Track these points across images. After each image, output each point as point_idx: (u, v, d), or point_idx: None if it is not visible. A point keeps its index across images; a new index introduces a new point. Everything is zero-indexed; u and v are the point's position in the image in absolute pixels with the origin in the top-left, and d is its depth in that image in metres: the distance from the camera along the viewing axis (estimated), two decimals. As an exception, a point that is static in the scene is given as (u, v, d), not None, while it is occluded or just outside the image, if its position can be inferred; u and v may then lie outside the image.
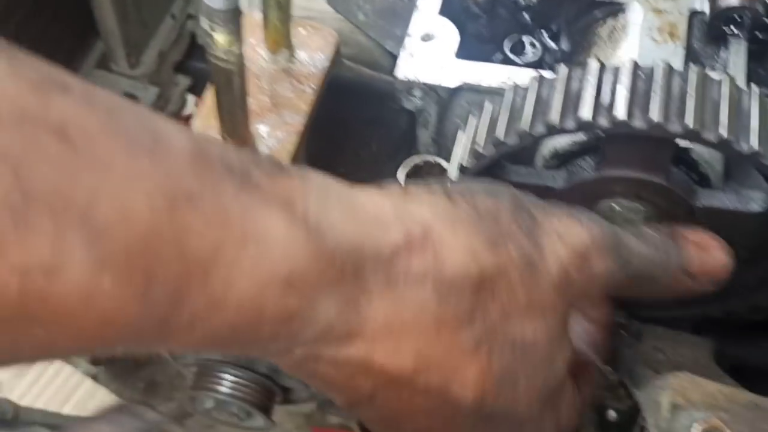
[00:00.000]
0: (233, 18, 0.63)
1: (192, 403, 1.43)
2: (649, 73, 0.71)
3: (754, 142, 0.67)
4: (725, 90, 0.70)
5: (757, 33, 0.94)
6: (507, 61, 0.94)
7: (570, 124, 0.70)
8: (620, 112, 0.69)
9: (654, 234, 0.74)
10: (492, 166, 0.81)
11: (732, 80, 0.70)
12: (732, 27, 0.84)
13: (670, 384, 0.79)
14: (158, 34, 1.50)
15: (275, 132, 0.80)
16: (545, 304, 0.63)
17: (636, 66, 0.71)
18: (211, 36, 0.65)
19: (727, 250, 0.75)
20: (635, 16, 0.88)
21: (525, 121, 0.73)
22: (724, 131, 0.67)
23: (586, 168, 0.80)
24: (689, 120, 0.67)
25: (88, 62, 2.10)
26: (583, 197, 0.81)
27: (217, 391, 1.38)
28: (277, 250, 0.52)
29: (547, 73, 0.76)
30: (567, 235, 0.65)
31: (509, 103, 0.76)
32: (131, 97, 1.45)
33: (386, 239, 0.58)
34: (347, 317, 0.57)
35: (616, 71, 0.71)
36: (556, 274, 0.63)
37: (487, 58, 0.98)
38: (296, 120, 0.81)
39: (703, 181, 0.80)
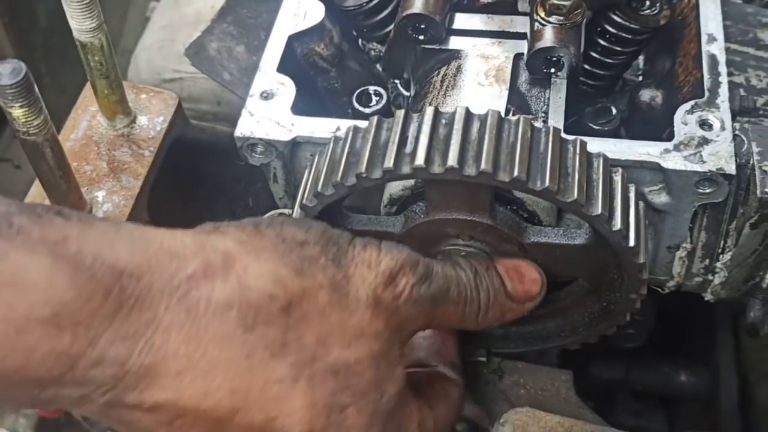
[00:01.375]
0: (24, 92, 0.65)
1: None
2: (450, 119, 0.73)
3: (545, 179, 0.69)
4: (521, 131, 0.72)
5: (590, 68, 0.98)
6: (356, 112, 0.97)
7: (377, 173, 0.73)
8: (420, 159, 0.71)
9: (465, 261, 0.76)
10: (333, 215, 0.83)
11: (528, 122, 0.73)
12: (552, 68, 0.87)
13: (509, 420, 0.80)
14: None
15: (111, 197, 0.81)
16: (362, 326, 0.64)
17: (437, 112, 0.74)
18: (9, 112, 0.67)
19: (536, 269, 0.79)
20: (464, 62, 0.91)
21: (338, 173, 0.75)
22: (516, 171, 0.69)
23: (420, 213, 0.82)
24: (484, 163, 0.70)
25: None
26: (420, 241, 0.83)
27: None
28: (36, 291, 0.54)
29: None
30: (374, 262, 0.67)
31: (329, 154, 0.78)
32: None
33: (181, 269, 0.58)
34: (141, 355, 0.57)
35: (420, 119, 0.74)
36: (365, 297, 0.65)
37: (344, 112, 1.01)
38: (133, 183, 0.83)
39: (532, 217, 0.83)
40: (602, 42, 0.97)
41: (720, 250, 0.87)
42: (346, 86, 1.02)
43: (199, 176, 1.00)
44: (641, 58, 1.05)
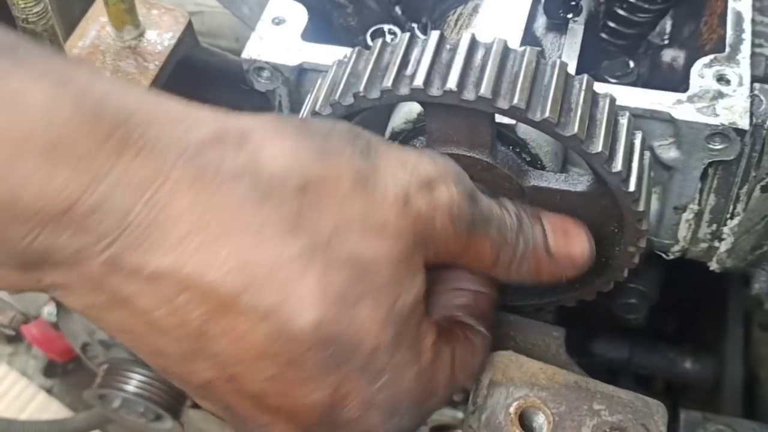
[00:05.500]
0: (25, -25, 0.65)
1: (101, 402, 1.43)
2: (455, 45, 0.71)
3: (545, 110, 0.67)
4: (526, 62, 0.70)
5: (615, 25, 0.95)
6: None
7: (374, 93, 0.71)
8: (419, 80, 0.69)
9: (512, 204, 0.71)
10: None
11: (535, 53, 0.71)
12: (570, 13, 0.84)
13: (491, 362, 0.78)
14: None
15: (111, 105, 0.81)
16: (385, 222, 0.59)
17: (441, 38, 0.72)
18: (9, -4, 0.67)
19: (589, 238, 0.73)
20: (481, 3, 0.89)
21: (337, 92, 0.73)
22: (516, 99, 0.67)
23: (420, 147, 0.80)
24: (484, 88, 0.68)
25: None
26: (418, 177, 0.81)
27: (124, 390, 1.39)
28: (36, 115, 0.49)
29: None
30: (410, 164, 0.62)
31: (331, 76, 0.77)
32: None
33: (194, 131, 0.54)
34: (145, 208, 0.51)
35: (424, 44, 0.72)
36: (394, 194, 0.59)
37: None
38: (134, 95, 0.82)
39: (535, 161, 0.80)
40: (628, -2, 0.94)
41: (728, 215, 0.84)
42: (363, 25, 1.00)
43: (204, 101, 0.99)
44: (668, 22, 1.02)
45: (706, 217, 0.85)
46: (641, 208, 0.73)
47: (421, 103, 0.76)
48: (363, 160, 0.59)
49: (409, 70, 0.71)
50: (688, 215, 0.85)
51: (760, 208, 0.81)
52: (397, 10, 1.02)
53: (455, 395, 0.91)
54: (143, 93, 0.55)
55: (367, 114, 0.86)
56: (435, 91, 0.69)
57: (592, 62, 0.92)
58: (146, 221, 0.52)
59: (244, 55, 0.87)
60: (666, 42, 1.02)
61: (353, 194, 0.57)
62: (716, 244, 0.87)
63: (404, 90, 0.70)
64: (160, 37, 0.87)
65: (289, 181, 0.55)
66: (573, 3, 0.84)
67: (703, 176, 0.82)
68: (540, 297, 0.91)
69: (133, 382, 1.37)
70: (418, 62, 0.71)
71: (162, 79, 0.86)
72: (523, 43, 0.85)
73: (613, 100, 0.72)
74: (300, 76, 0.87)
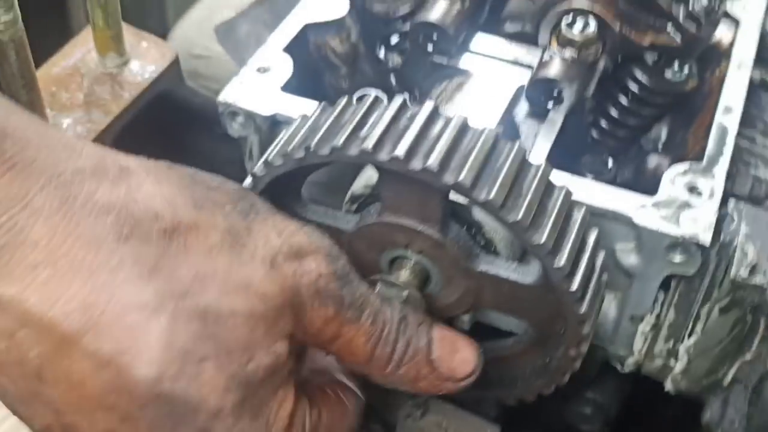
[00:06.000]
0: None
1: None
2: (414, 114, 0.70)
3: (491, 191, 0.65)
4: (483, 140, 0.68)
5: (604, 126, 0.93)
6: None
7: (325, 150, 0.69)
8: (369, 143, 0.67)
9: (398, 302, 0.70)
10: (289, 199, 0.79)
11: (493, 134, 0.69)
12: (552, 102, 0.83)
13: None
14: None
15: (76, 126, 0.81)
16: (251, 280, 0.58)
17: (403, 105, 0.71)
18: (-21, 3, 0.67)
19: (475, 351, 0.71)
20: (466, 82, 0.88)
21: (291, 145, 0.72)
22: (462, 176, 0.65)
23: (374, 213, 0.78)
24: (432, 159, 0.66)
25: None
26: (369, 243, 0.79)
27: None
28: None
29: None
30: (285, 232, 0.63)
31: (293, 129, 0.76)
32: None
33: (70, 161, 0.54)
34: (3, 234, 0.50)
35: (385, 108, 0.71)
36: (261, 256, 0.59)
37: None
38: (102, 120, 0.82)
39: (489, 246, 0.78)
40: (620, 99, 0.93)
41: (687, 333, 0.80)
42: (355, 89, 0.99)
43: (179, 139, 0.98)
44: (664, 130, 1.00)
45: (664, 331, 0.81)
46: (583, 310, 0.69)
47: (377, 170, 0.74)
48: (239, 219, 0.60)
49: (363, 132, 0.69)
50: (644, 327, 0.81)
51: (718, 330, 0.77)
52: (392, 78, 1.02)
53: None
54: (29, 118, 0.54)
55: (333, 171, 0.85)
56: (383, 156, 0.67)
57: (574, 155, 0.90)
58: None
59: (221, 98, 0.86)
60: (657, 149, 1.00)
61: (220, 248, 0.57)
62: (672, 362, 0.82)
63: (354, 151, 0.68)
64: (142, 69, 0.87)
65: (156, 223, 0.55)
66: (555, 92, 0.82)
67: (665, 287, 0.79)
68: (481, 388, 0.87)
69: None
70: (375, 125, 0.69)
71: (135, 110, 0.86)
72: (501, 125, 0.84)
73: (568, 193, 0.70)
74: (273, 127, 0.87)
